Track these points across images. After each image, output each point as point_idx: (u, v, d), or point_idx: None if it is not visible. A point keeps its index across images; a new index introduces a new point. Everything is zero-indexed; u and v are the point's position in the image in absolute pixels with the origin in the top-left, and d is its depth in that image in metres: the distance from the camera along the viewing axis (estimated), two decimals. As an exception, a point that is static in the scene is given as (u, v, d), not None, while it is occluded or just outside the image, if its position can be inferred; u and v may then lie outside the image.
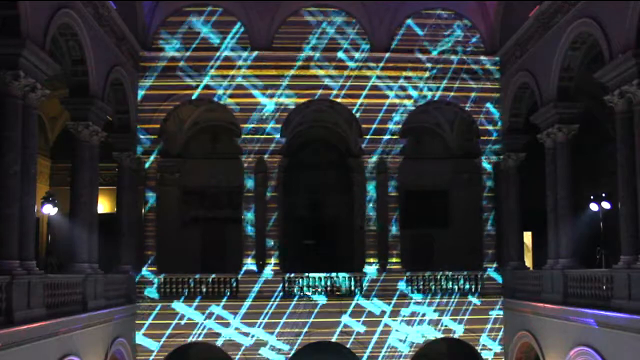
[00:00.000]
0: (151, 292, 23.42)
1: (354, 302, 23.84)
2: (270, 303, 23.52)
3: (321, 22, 25.09)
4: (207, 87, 24.50)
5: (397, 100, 24.93)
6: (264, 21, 24.90)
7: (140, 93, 24.33)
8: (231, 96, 24.53)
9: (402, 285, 24.16)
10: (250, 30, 24.86)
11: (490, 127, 25.17)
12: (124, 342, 21.34)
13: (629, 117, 16.11)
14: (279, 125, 24.59)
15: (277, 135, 24.59)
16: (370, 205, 24.80)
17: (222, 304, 23.39)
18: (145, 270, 23.72)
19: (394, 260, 24.50)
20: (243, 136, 24.57)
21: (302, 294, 23.99)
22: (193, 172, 30.53)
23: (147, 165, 24.38)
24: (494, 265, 24.77)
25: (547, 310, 20.01)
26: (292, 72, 24.68)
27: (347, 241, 30.31)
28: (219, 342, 23.36)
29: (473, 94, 25.21)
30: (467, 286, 24.49)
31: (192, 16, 24.70)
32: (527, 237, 29.08)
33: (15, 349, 13.18)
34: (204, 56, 24.42)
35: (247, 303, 23.46)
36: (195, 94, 24.52)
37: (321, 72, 24.78)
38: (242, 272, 23.92)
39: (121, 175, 23.88)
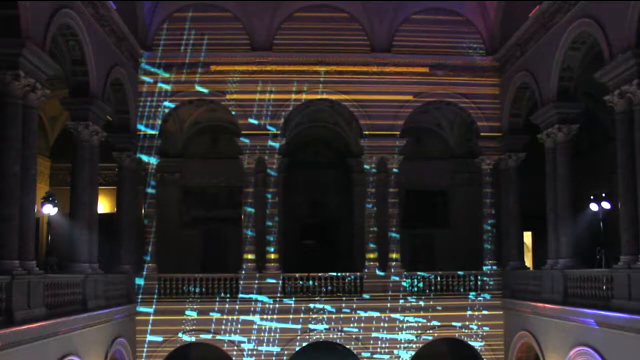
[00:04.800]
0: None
1: (353, 302, 23.83)
2: (270, 303, 23.52)
3: (321, 21, 25.08)
4: (207, 87, 24.49)
5: (397, 100, 24.92)
6: (264, 21, 24.89)
7: (140, 93, 24.33)
8: (231, 96, 24.53)
9: (402, 285, 24.15)
10: (250, 30, 24.86)
11: (490, 127, 25.18)
12: (124, 342, 21.33)
13: (629, 117, 16.09)
14: (279, 125, 24.60)
15: (277, 135, 24.58)
16: (370, 205, 24.79)
17: (222, 303, 23.37)
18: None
19: (394, 259, 24.49)
20: (243, 135, 24.57)
21: (301, 293, 23.97)
22: (193, 172, 30.50)
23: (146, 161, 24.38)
24: (494, 265, 24.77)
25: (547, 310, 20.01)
26: (292, 71, 24.66)
27: (347, 241, 30.30)
28: (219, 342, 23.37)
29: (473, 94, 25.20)
30: (467, 286, 24.48)
31: (192, 16, 24.67)
32: (527, 237, 29.07)
33: (15, 349, 13.18)
34: (203, 56, 24.39)
35: (247, 303, 23.45)
36: (195, 93, 24.52)
37: (321, 72, 24.76)
38: (242, 272, 23.90)
39: (121, 175, 23.89)
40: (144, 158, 24.16)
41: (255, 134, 24.50)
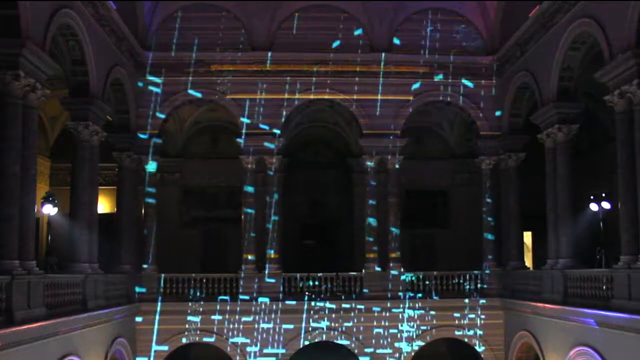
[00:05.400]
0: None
1: (353, 302, 23.82)
2: (270, 303, 23.50)
3: (321, 21, 25.06)
4: (207, 86, 24.49)
5: (397, 100, 24.90)
6: (264, 21, 24.90)
7: (140, 93, 24.31)
8: (231, 95, 24.52)
9: (402, 285, 24.14)
10: (250, 30, 24.85)
11: (490, 127, 25.16)
12: (124, 342, 21.33)
13: (629, 117, 16.09)
14: (279, 125, 24.58)
15: (277, 135, 24.57)
16: (370, 205, 24.77)
17: (222, 304, 23.34)
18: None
19: (394, 259, 24.47)
20: (243, 134, 24.54)
21: (301, 293, 23.95)
22: (193, 172, 30.52)
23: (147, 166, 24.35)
24: (494, 265, 24.75)
25: (547, 310, 20.01)
26: (292, 71, 24.64)
27: (347, 241, 30.29)
28: (219, 343, 23.36)
29: (473, 94, 25.20)
30: (467, 286, 24.48)
31: (192, 16, 24.65)
32: (527, 237, 29.07)
33: (15, 349, 13.18)
34: (203, 56, 24.37)
35: (247, 303, 23.44)
36: (196, 93, 24.52)
37: (321, 72, 24.74)
38: (242, 272, 23.89)
39: (121, 175, 23.89)
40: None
41: (255, 134, 24.48)
